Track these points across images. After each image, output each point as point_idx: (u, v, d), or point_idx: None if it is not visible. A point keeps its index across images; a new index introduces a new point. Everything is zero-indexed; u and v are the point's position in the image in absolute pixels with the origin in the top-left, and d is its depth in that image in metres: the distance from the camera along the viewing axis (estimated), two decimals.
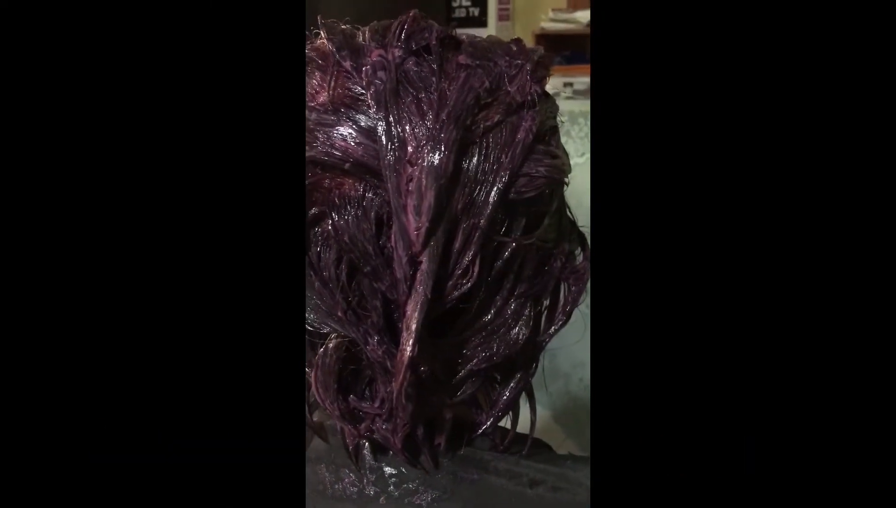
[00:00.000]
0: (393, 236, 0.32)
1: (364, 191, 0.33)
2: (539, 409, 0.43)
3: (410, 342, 0.32)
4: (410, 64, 0.33)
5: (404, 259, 0.32)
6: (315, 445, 0.42)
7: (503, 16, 2.76)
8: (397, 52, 0.33)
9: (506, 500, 0.40)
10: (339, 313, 0.34)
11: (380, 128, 0.32)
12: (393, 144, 0.32)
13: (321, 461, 0.41)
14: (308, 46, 0.36)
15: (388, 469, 0.40)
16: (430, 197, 0.31)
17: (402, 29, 0.33)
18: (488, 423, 0.40)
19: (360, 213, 0.33)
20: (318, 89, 0.34)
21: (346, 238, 0.33)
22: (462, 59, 0.34)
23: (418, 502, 0.39)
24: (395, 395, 0.33)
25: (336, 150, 0.32)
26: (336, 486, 0.40)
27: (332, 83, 0.34)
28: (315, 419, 0.41)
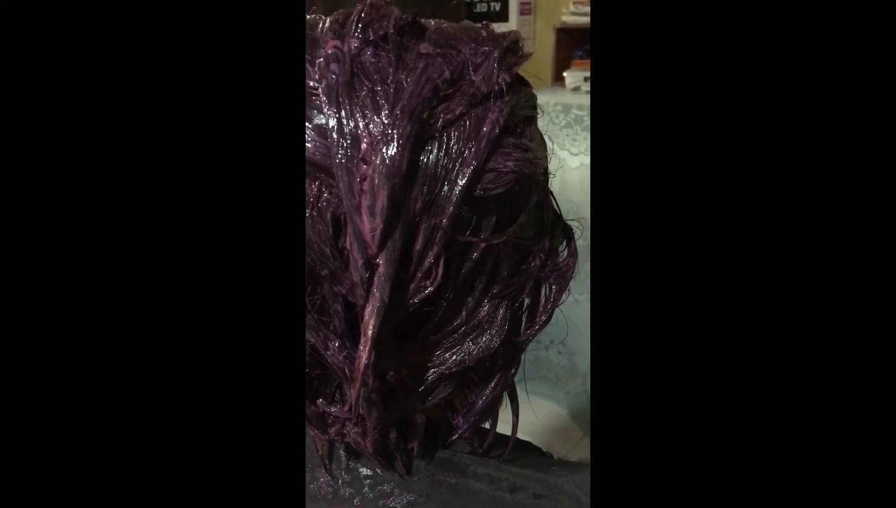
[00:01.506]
0: (348, 238, 0.31)
1: (319, 191, 0.32)
2: (556, 408, 0.42)
3: (367, 348, 0.31)
4: (368, 55, 0.31)
5: (360, 262, 0.31)
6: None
7: (525, 10, 2.73)
8: (354, 43, 0.31)
9: (484, 505, 0.39)
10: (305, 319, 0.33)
11: (331, 124, 0.30)
12: (345, 141, 0.30)
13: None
14: None
15: (363, 471, 0.40)
16: (383, 196, 0.29)
17: (360, 17, 0.32)
18: (465, 427, 0.39)
19: (315, 214, 0.32)
20: None
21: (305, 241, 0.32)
22: (423, 47, 0.31)
23: (392, 504, 0.39)
24: (353, 401, 0.32)
25: None
26: (311, 486, 0.40)
27: None
28: None
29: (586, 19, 2.36)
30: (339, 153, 0.30)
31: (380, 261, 0.30)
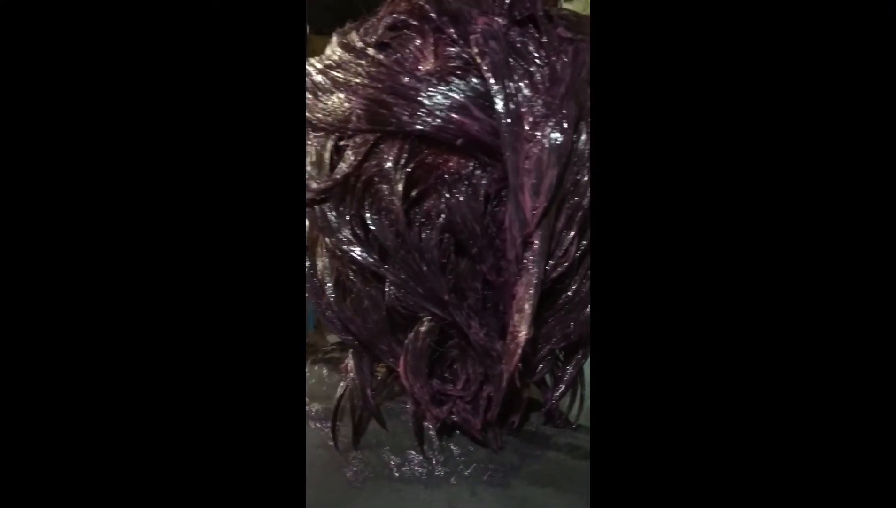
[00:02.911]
0: (508, 216, 0.32)
1: (473, 168, 0.32)
2: None
3: (525, 325, 0.32)
4: (514, 34, 0.32)
5: (518, 240, 0.32)
6: (374, 429, 0.41)
7: None
8: (501, 21, 0.32)
9: (567, 473, 0.41)
10: (445, 297, 0.34)
11: (498, 102, 0.31)
12: (512, 119, 0.31)
13: (383, 445, 0.41)
14: (398, 7, 0.35)
15: (454, 449, 0.40)
16: (551, 176, 0.31)
17: None
18: (554, 399, 0.41)
19: (469, 191, 0.32)
20: (418, 56, 0.33)
21: (458, 218, 0.32)
22: (562, 31, 0.33)
23: (487, 480, 0.40)
24: (506, 378, 0.33)
25: (452, 124, 0.31)
26: (403, 468, 0.40)
27: (438, 50, 0.33)
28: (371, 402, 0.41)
29: None
30: (506, 131, 0.31)
31: (535, 239, 0.32)
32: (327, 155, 0.34)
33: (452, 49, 0.33)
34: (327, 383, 0.45)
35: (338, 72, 0.34)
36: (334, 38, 0.36)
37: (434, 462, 0.40)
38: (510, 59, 0.31)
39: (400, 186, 0.32)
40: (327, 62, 0.35)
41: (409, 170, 0.32)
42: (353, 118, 0.33)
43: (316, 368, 0.46)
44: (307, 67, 0.37)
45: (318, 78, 0.35)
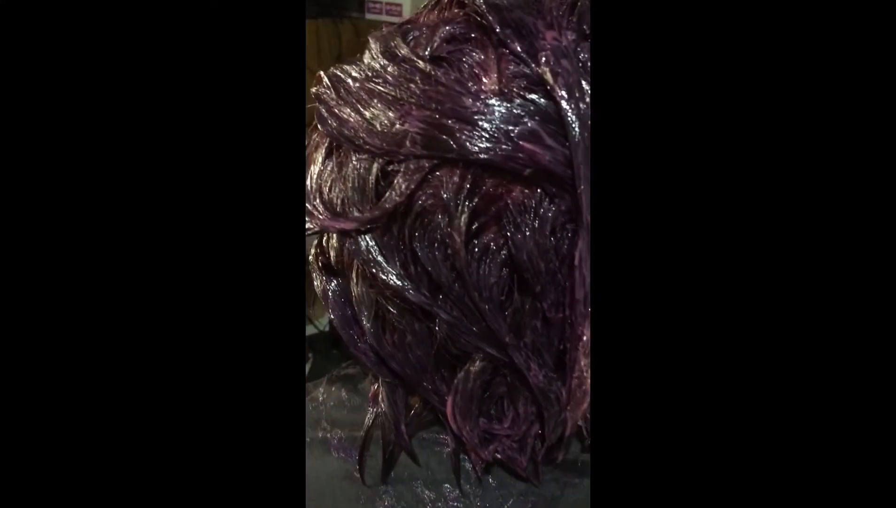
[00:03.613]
0: (579, 253, 0.29)
1: (540, 199, 0.29)
2: None
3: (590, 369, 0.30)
4: (584, 52, 0.29)
5: (588, 279, 0.29)
6: (404, 461, 0.39)
7: None
8: (571, 36, 0.29)
9: None
10: (507, 339, 0.31)
11: (574, 129, 0.27)
12: (587, 148, 0.28)
13: (416, 478, 0.38)
14: (455, 18, 0.31)
15: (492, 482, 0.38)
16: None
17: (573, 6, 0.29)
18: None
19: (535, 225, 0.29)
20: (479, 72, 0.29)
21: (524, 255, 0.30)
22: None
23: None
24: (570, 424, 0.31)
25: (521, 153, 0.28)
26: (439, 504, 0.38)
27: (500, 66, 0.29)
28: (399, 434, 0.38)
29: None
30: (581, 163, 0.28)
31: None
32: (372, 180, 0.31)
33: (515, 66, 0.29)
34: (348, 406, 0.42)
35: (384, 86, 0.30)
36: (373, 44, 0.32)
37: (472, 497, 0.38)
38: (582, 81, 0.28)
39: (462, 220, 0.29)
40: (368, 72, 0.31)
41: (473, 202, 0.29)
42: (408, 142, 0.29)
43: (333, 389, 0.43)
44: (338, 72, 0.33)
45: (357, 88, 0.31)
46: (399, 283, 0.31)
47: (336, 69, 0.33)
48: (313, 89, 0.34)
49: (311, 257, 0.37)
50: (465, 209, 0.29)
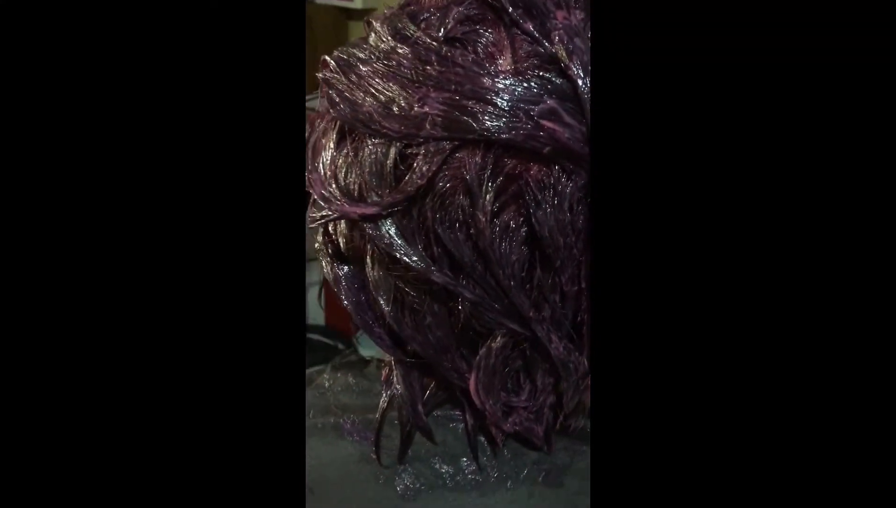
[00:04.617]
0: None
1: (558, 176, 0.30)
2: None
3: None
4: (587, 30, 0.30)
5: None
6: (419, 440, 0.39)
7: None
8: (579, 15, 0.30)
9: None
10: (530, 313, 0.32)
11: (590, 105, 0.28)
12: None
13: (432, 455, 0.39)
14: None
15: (506, 453, 0.39)
16: None
17: None
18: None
19: (555, 201, 0.30)
20: (493, 52, 0.30)
21: (545, 232, 0.30)
22: None
23: (543, 480, 0.39)
24: (588, 393, 0.32)
25: (542, 131, 0.29)
26: (458, 477, 0.39)
27: (514, 45, 0.30)
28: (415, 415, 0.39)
29: None
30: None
31: None
32: (390, 163, 0.31)
33: (528, 46, 0.30)
34: (356, 390, 0.42)
35: (399, 69, 0.30)
36: (378, 25, 0.32)
37: (488, 468, 0.39)
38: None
39: (487, 200, 0.30)
40: (377, 53, 0.32)
41: (495, 182, 0.30)
42: (428, 125, 0.29)
43: (339, 375, 0.43)
44: (345, 56, 0.33)
45: (367, 71, 0.31)
46: (423, 265, 0.32)
47: (342, 52, 0.33)
48: (320, 74, 0.34)
49: (317, 246, 0.37)
50: (489, 189, 0.30)
